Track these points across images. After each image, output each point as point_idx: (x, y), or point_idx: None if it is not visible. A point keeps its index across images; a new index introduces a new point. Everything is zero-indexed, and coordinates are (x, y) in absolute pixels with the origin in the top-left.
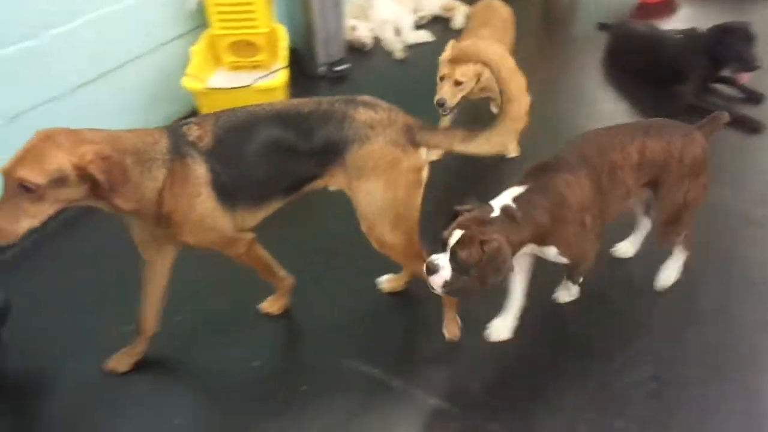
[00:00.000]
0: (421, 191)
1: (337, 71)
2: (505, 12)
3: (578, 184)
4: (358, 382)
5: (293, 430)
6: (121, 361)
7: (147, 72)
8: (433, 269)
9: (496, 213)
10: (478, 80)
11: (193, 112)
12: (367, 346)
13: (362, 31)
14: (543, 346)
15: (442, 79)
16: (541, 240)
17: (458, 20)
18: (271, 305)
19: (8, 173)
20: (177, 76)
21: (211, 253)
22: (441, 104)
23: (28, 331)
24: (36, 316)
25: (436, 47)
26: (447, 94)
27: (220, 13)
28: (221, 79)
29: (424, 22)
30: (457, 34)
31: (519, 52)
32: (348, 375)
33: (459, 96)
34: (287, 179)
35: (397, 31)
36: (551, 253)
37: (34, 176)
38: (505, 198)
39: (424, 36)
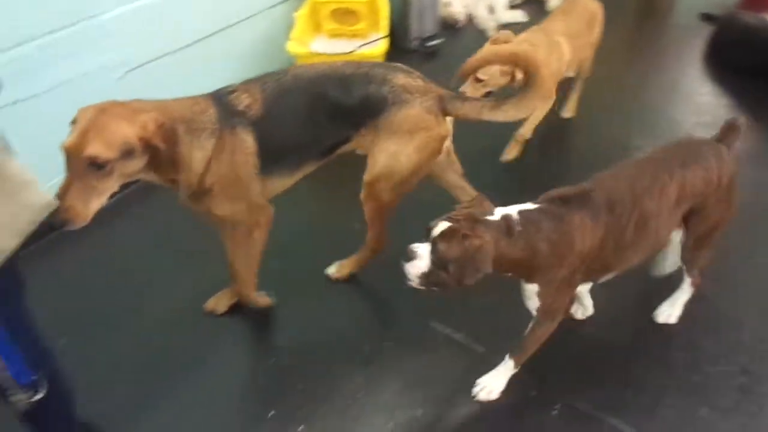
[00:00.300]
0: (435, 160)
1: (429, 46)
2: (593, 6)
3: (592, 232)
4: (441, 343)
5: (375, 382)
6: (219, 302)
7: (252, 34)
8: (410, 257)
9: (495, 218)
10: (512, 79)
11: None
12: (453, 312)
13: (456, 7)
14: (628, 330)
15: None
16: (528, 270)
17: (552, 2)
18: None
19: (75, 151)
20: (279, 40)
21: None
22: None
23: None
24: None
25: (527, 26)
26: (467, 90)
27: None
28: (321, 45)
29: (518, 2)
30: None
31: (615, 41)
32: (431, 336)
33: (480, 93)
34: (326, 143)
35: (491, 9)
36: (530, 290)
37: (104, 152)
38: (513, 209)
39: (518, 16)
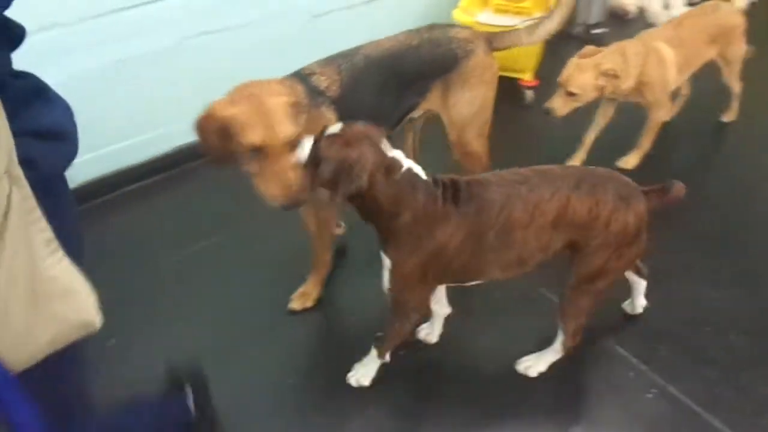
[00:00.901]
0: None
1: (593, 34)
2: (732, 20)
3: (456, 229)
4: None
5: (486, 336)
6: (307, 298)
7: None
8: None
9: (387, 151)
10: (602, 94)
11: None
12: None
13: None
14: (740, 333)
15: (560, 85)
16: (385, 230)
17: (739, 1)
18: None
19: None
20: (447, 8)
21: None
22: (547, 112)
23: None
24: None
25: None
26: (556, 103)
27: None
28: (486, 17)
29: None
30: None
31: None
32: (542, 302)
33: (569, 108)
34: (397, 114)
35: (666, 5)
36: (385, 263)
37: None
38: (406, 161)
39: None
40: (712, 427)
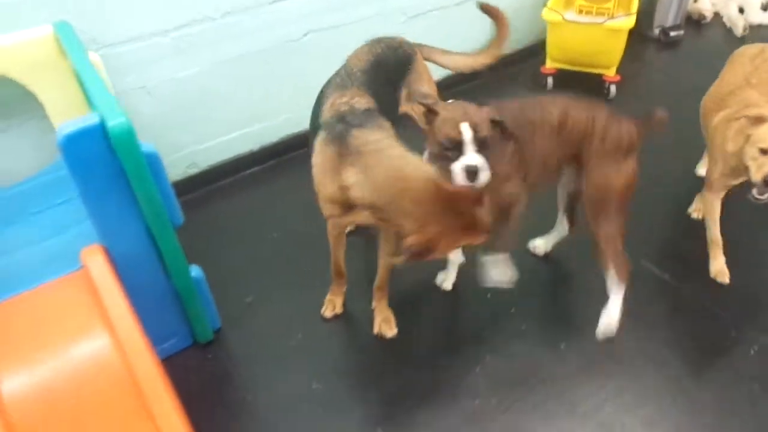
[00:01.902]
0: None
1: (671, 36)
2: None
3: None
4: (649, 281)
5: (588, 306)
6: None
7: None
8: (472, 171)
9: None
10: None
11: (538, 44)
12: (664, 255)
13: (704, 4)
14: None
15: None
16: None
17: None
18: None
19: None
20: (537, 7)
21: None
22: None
23: None
24: None
25: None
26: (753, 161)
27: None
28: (571, 17)
29: None
30: None
31: None
32: (642, 273)
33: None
34: (394, 110)
35: (742, 9)
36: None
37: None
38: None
39: None
40: None
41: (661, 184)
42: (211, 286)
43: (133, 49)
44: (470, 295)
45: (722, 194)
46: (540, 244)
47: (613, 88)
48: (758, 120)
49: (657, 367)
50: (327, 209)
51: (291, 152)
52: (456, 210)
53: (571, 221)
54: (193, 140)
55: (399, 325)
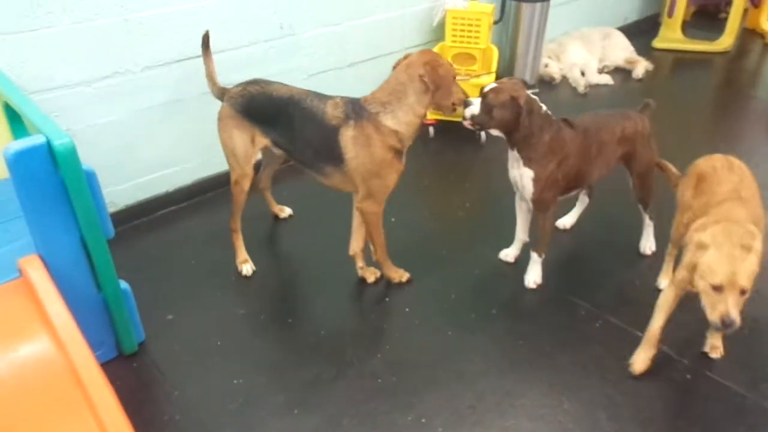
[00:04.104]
0: None
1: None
2: (747, 171)
3: (575, 143)
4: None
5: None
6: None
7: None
8: (468, 104)
9: (536, 98)
10: None
11: None
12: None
13: (553, 69)
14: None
15: (719, 288)
16: (532, 149)
17: (639, 72)
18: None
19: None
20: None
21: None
22: (728, 324)
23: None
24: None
25: (614, 89)
26: (733, 313)
27: (454, 30)
28: None
29: (607, 70)
30: (638, 84)
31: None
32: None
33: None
34: None
35: (583, 73)
36: (527, 175)
37: None
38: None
39: (606, 79)
40: None
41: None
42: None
43: (58, 96)
44: (371, 298)
45: (680, 293)
46: (568, 222)
47: (483, 135)
48: (700, 246)
49: (526, 342)
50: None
51: (203, 194)
52: None
53: (590, 194)
54: (112, 181)
55: (312, 322)
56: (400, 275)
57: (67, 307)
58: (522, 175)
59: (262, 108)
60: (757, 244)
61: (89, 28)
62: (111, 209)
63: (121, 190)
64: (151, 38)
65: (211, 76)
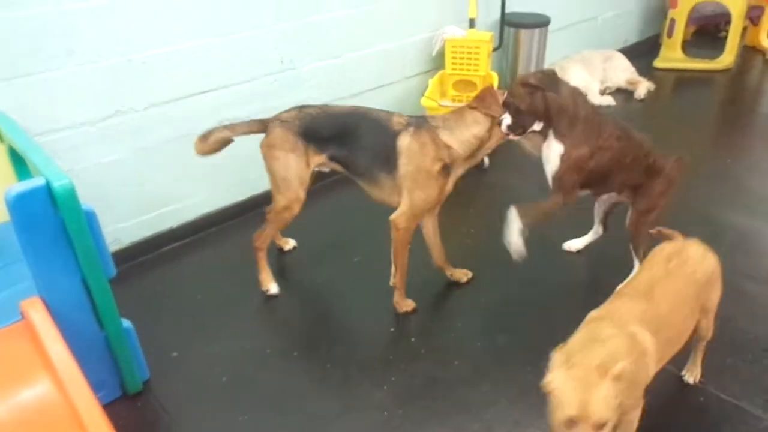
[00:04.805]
0: None
1: None
2: (702, 267)
3: (611, 141)
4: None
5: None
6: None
7: (399, 92)
8: (500, 122)
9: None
10: None
11: None
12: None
13: None
14: None
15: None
16: (568, 125)
17: (641, 92)
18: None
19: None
20: (416, 97)
21: None
22: None
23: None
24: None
25: (616, 110)
26: None
27: (453, 58)
28: (445, 103)
29: (609, 92)
30: (640, 104)
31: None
32: None
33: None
34: None
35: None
36: (556, 150)
37: None
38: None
39: (608, 100)
40: None
41: None
42: (139, 344)
43: (63, 137)
44: (376, 329)
45: None
46: (575, 245)
47: (486, 160)
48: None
49: (534, 368)
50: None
51: (208, 228)
52: None
53: (605, 226)
54: (116, 219)
55: (318, 354)
56: (407, 305)
57: (69, 349)
58: (552, 151)
59: (325, 125)
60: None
61: (93, 70)
62: (116, 247)
63: (126, 228)
64: (153, 77)
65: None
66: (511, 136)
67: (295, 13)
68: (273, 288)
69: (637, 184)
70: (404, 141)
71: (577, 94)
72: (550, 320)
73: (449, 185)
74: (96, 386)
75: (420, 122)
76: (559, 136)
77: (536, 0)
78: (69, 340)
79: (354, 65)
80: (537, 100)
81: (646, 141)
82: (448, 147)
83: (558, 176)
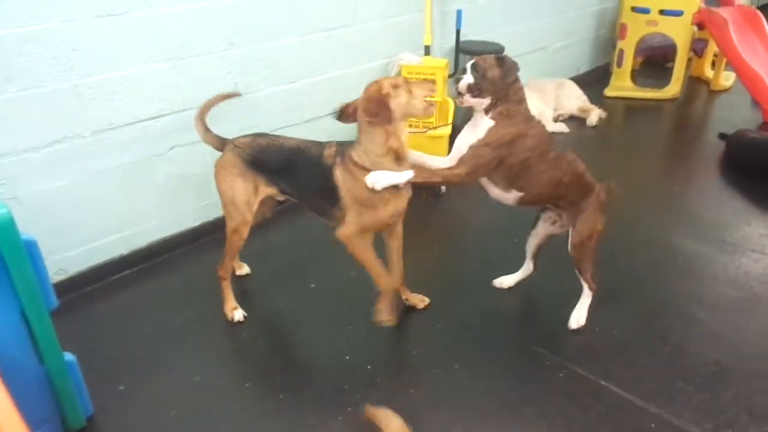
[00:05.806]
0: None
1: None
2: None
3: (533, 132)
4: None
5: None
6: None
7: None
8: (459, 79)
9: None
10: None
11: None
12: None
13: None
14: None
15: None
16: (495, 108)
17: (593, 120)
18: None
19: None
20: None
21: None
22: None
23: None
24: None
25: (569, 137)
26: None
27: None
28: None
29: (561, 119)
30: (592, 131)
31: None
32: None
33: None
34: None
35: None
36: (486, 124)
37: None
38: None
39: (561, 127)
40: None
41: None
42: (84, 377)
43: (4, 163)
44: (335, 355)
45: None
46: (506, 281)
47: (443, 187)
48: None
49: (495, 395)
50: None
51: (159, 256)
52: None
53: (535, 264)
54: (62, 246)
55: (270, 386)
56: (386, 318)
57: (5, 385)
58: (481, 125)
59: (273, 158)
60: None
61: (36, 96)
62: (60, 276)
63: (72, 256)
64: (101, 103)
65: (204, 125)
66: (464, 98)
67: (249, 39)
68: (237, 315)
69: (574, 200)
70: (338, 173)
71: (523, 93)
72: (505, 350)
73: (401, 200)
74: (35, 424)
75: (344, 149)
76: (497, 115)
77: (490, 29)
78: (5, 375)
79: (310, 91)
80: (504, 76)
81: (574, 157)
82: (363, 167)
83: (475, 146)
